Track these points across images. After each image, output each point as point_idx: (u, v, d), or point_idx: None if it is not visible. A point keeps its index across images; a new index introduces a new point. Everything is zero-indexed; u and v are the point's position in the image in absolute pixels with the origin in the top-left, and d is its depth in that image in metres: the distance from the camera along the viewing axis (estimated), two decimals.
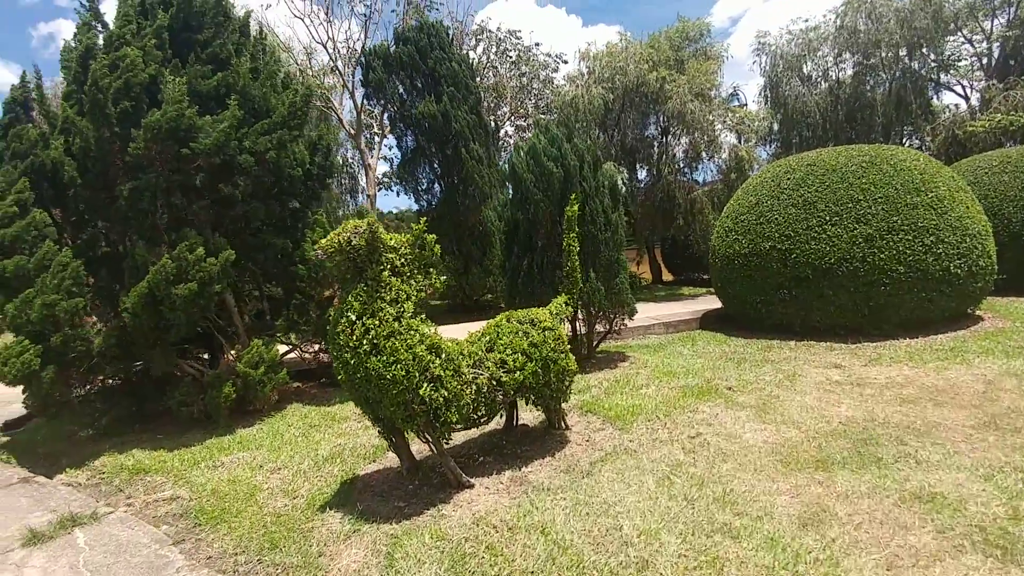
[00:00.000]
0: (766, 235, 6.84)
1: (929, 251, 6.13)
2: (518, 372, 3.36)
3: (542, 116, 13.08)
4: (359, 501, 3.16)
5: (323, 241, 2.90)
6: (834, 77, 15.86)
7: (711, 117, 10.79)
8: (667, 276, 14.38)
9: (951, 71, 16.79)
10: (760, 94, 15.39)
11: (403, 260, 3.07)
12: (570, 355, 3.72)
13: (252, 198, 5.22)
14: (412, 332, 2.92)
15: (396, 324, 2.88)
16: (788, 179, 6.98)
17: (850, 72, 15.75)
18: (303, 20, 17.08)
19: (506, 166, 5.85)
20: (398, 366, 2.80)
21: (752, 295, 7.10)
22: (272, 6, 39.45)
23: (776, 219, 6.81)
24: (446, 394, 2.97)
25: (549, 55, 15.31)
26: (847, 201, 6.40)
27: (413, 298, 3.04)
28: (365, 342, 2.81)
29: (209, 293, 4.59)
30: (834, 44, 15.03)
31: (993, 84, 13.76)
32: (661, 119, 11.80)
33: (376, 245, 2.95)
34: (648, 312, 9.62)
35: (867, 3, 13.99)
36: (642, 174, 12.65)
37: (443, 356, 3.03)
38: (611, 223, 5.79)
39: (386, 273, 2.96)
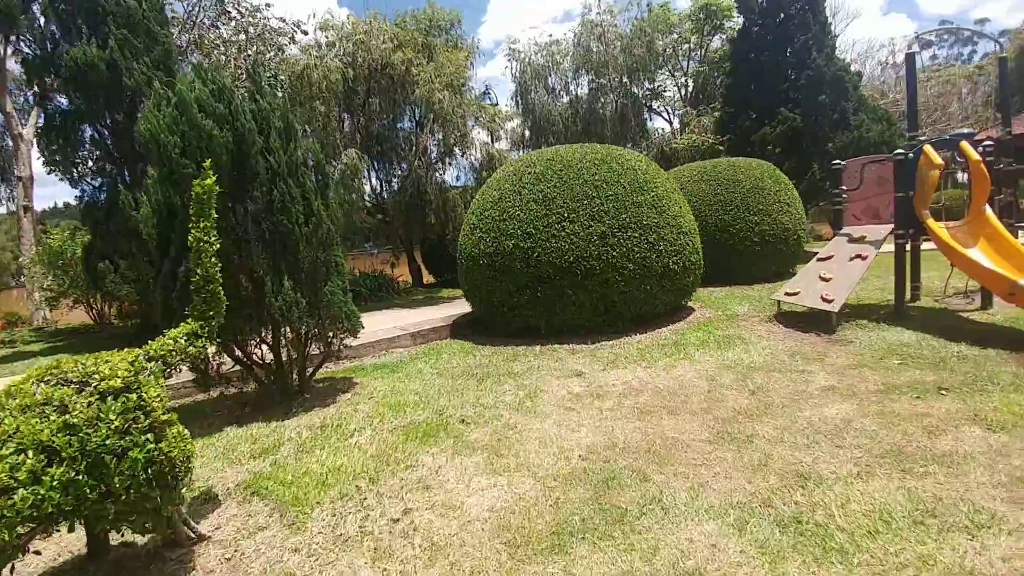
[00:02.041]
0: (509, 233, 6.24)
1: (652, 248, 6.24)
2: (32, 488, 1.69)
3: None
4: None
5: None
6: (574, 92, 17.26)
7: (463, 111, 10.22)
8: (428, 278, 13.54)
9: (660, 99, 19.92)
10: (512, 98, 15.79)
11: None
12: (178, 432, 2.16)
13: None
14: None
15: None
16: (529, 174, 6.51)
17: (586, 90, 17.36)
18: None
19: (143, 127, 3.89)
20: None
21: (498, 298, 6.45)
22: None
23: (518, 216, 6.25)
24: None
25: (284, 20, 12.98)
26: (583, 197, 6.16)
27: None
28: None
29: None
30: (573, 61, 16.20)
31: (688, 111, 16.58)
32: (413, 111, 10.82)
33: None
34: (400, 319, 8.44)
35: (598, 27, 15.36)
36: (395, 169, 11.53)
37: None
38: (314, 213, 4.32)
39: None
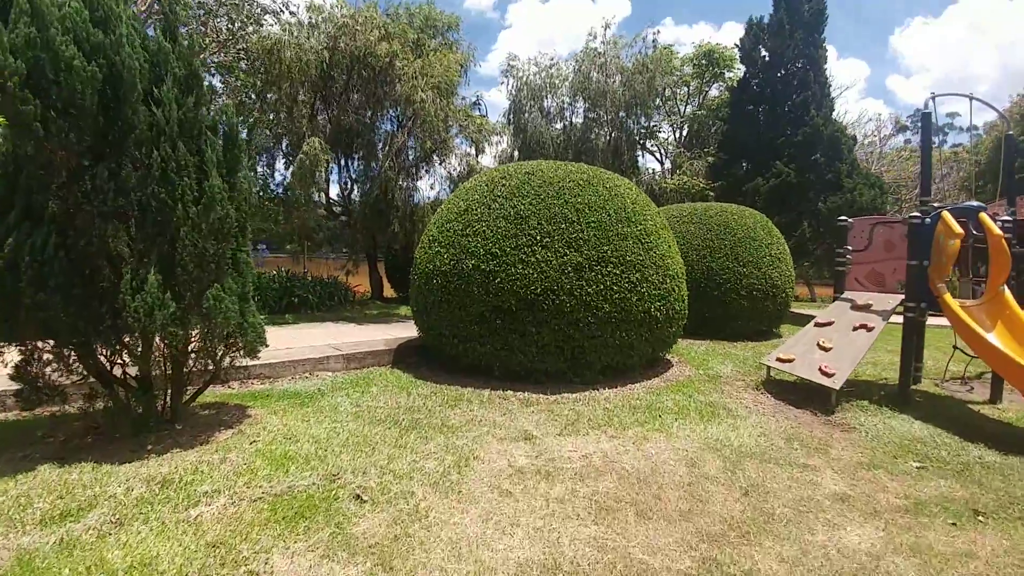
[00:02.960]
0: (471, 250, 5.30)
1: (634, 289, 5.37)
2: None
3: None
4: None
5: None
6: (569, 119, 16.66)
7: (446, 115, 9.37)
8: (389, 292, 12.45)
9: (654, 138, 19.56)
10: (504, 116, 15.09)
11: None
12: None
13: None
14: None
15: None
16: (503, 186, 5.62)
17: (582, 119, 16.80)
18: None
19: None
20: None
21: (449, 326, 5.47)
22: None
23: (484, 232, 5.33)
24: None
25: None
26: (561, 220, 5.28)
27: None
28: None
29: None
30: (572, 87, 15.64)
31: (682, 152, 16.14)
32: (393, 109, 9.84)
33: None
34: (341, 335, 7.35)
35: (600, 57, 14.86)
36: (368, 170, 10.49)
37: None
38: (212, 193, 3.30)
39: None
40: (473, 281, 5.21)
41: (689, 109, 18.33)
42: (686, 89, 17.90)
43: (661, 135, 19.25)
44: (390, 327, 8.45)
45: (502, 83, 15.26)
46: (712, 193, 13.83)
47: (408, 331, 7.72)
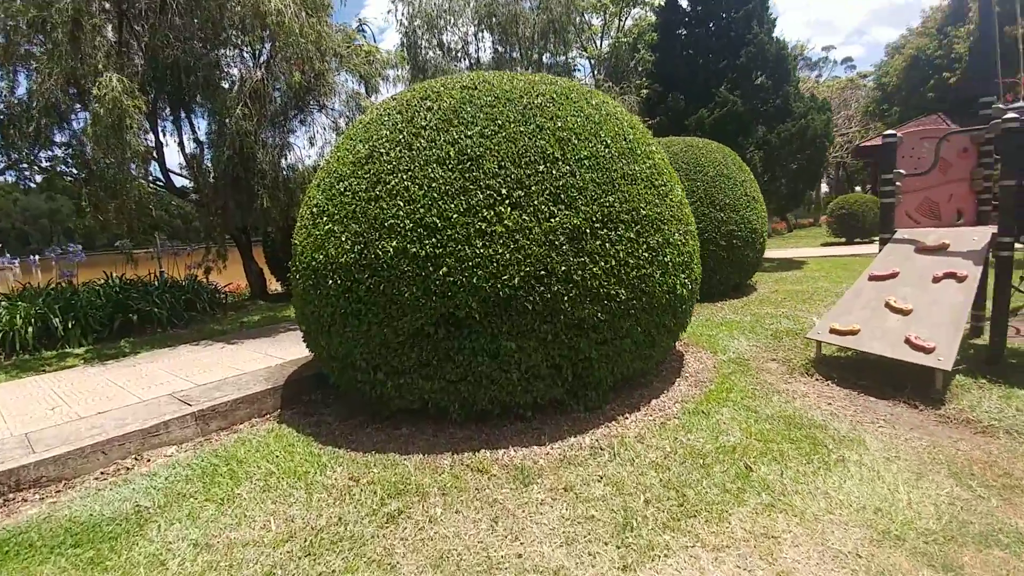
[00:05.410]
0: (388, 225, 3.06)
1: (655, 259, 3.45)
2: None
3: None
4: None
5: None
6: (475, 55, 14.16)
7: (320, 40, 6.67)
8: (274, 286, 9.58)
9: (570, 76, 17.56)
10: (397, 53, 12.31)
11: None
12: None
13: None
14: None
15: None
16: (431, 113, 3.36)
17: (489, 55, 14.38)
18: None
19: None
20: None
21: (367, 353, 3.25)
22: None
23: (408, 188, 3.09)
24: None
25: None
26: (537, 159, 3.16)
27: None
28: None
29: None
30: (476, 13, 13.09)
31: (611, 88, 14.34)
32: (239, 31, 6.75)
33: None
34: (199, 368, 4.83)
35: None
36: (211, 124, 7.49)
37: None
38: None
39: None
40: (400, 277, 3.00)
41: (606, 43, 16.48)
42: (601, 19, 15.98)
43: (578, 74, 17.34)
44: (277, 341, 5.97)
45: (390, 12, 12.34)
46: (650, 132, 12.17)
47: (298, 348, 5.27)
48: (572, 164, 3.21)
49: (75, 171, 6.82)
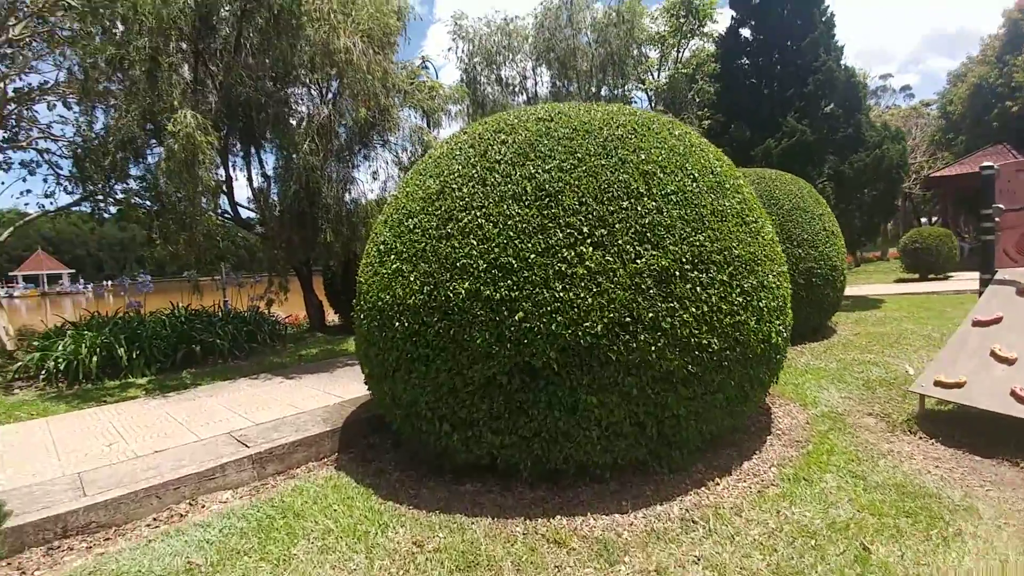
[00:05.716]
0: (461, 264, 2.86)
1: (750, 304, 3.09)
2: None
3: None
4: None
5: None
6: (532, 89, 14.26)
7: (386, 75, 6.75)
8: (332, 318, 9.66)
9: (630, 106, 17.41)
10: (459, 88, 12.53)
11: None
12: None
13: None
14: None
15: None
16: (505, 146, 3.19)
17: (547, 88, 14.43)
18: None
19: None
20: None
21: (432, 401, 3.02)
22: None
23: (484, 227, 2.89)
24: None
25: None
26: (622, 195, 2.91)
27: None
28: None
29: None
30: (534, 48, 13.21)
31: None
32: (309, 70, 6.96)
33: None
34: (257, 405, 4.75)
35: (567, 8, 12.49)
36: (271, 160, 7.70)
37: None
38: None
39: None
40: (471, 321, 2.78)
41: (664, 75, 16.28)
42: (659, 50, 15.84)
43: (635, 106, 17.20)
44: (335, 377, 5.87)
45: (450, 49, 12.67)
46: None
47: (360, 380, 5.12)
48: (658, 200, 2.94)
49: (148, 203, 7.10)
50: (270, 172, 7.61)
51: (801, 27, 11.40)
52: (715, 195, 3.19)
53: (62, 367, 5.90)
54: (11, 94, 9.29)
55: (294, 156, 6.50)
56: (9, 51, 8.96)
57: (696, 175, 3.17)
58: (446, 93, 8.31)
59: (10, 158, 9.54)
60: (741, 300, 3.03)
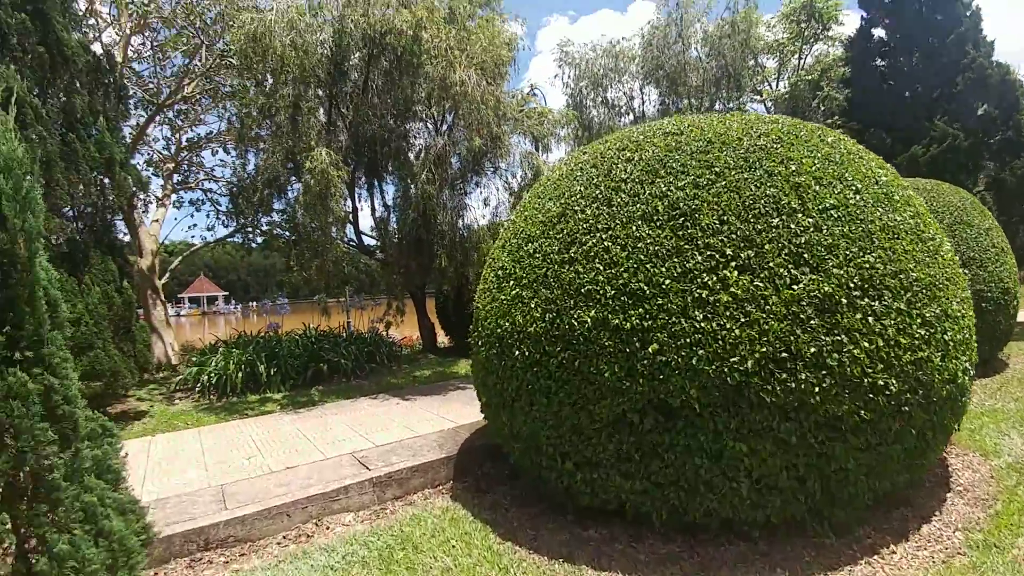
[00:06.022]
0: (586, 291, 2.69)
1: (932, 337, 2.56)
2: None
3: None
4: None
5: None
6: (639, 109, 13.92)
7: (498, 104, 6.92)
8: (444, 340, 9.98)
9: None
10: (568, 112, 12.58)
11: None
12: None
13: None
14: None
15: None
16: (631, 164, 3.00)
17: (654, 108, 14.01)
18: None
19: None
20: None
21: (555, 437, 2.83)
22: None
23: (610, 250, 2.70)
24: None
25: None
26: (771, 211, 2.57)
27: None
28: None
29: None
30: (642, 68, 12.94)
31: None
32: (426, 105, 7.37)
33: None
34: (376, 426, 4.89)
35: (676, 25, 12.12)
36: (398, 189, 8.14)
37: None
38: None
39: None
40: (598, 352, 2.57)
41: (783, 84, 15.10)
42: (776, 60, 14.76)
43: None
44: (447, 400, 5.92)
45: (556, 76, 12.81)
46: None
47: (472, 404, 5.08)
48: (815, 216, 2.55)
49: (287, 233, 7.83)
50: (390, 202, 8.09)
51: (943, 23, 10.00)
52: (883, 208, 2.72)
53: (214, 381, 6.57)
54: (184, 143, 10.94)
55: (412, 186, 6.82)
56: (184, 107, 10.57)
57: (859, 186, 2.74)
58: (555, 118, 8.33)
59: (182, 197, 11.24)
60: (923, 333, 2.52)
